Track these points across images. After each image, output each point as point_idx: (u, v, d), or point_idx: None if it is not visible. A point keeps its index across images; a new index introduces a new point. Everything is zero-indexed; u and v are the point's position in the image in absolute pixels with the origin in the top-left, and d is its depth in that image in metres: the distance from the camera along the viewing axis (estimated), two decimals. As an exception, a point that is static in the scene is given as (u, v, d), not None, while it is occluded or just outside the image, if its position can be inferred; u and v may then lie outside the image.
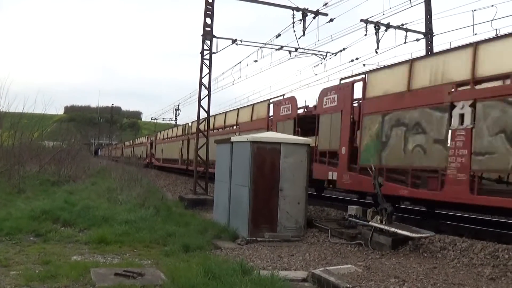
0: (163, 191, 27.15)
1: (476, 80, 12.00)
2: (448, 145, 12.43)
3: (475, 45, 12.16)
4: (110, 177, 28.24)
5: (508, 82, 11.42)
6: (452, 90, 12.46)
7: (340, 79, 17.78)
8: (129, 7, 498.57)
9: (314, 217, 15.93)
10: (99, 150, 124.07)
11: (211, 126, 27.51)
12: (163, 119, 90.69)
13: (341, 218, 15.23)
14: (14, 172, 23.20)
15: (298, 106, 21.00)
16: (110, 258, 10.13)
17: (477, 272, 9.36)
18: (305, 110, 20.50)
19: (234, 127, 28.97)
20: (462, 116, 11.99)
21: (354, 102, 16.70)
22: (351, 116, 16.55)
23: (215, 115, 32.20)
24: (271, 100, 23.94)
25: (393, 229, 11.63)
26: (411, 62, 14.17)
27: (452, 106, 12.30)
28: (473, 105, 11.75)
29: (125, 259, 10.04)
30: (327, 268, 9.38)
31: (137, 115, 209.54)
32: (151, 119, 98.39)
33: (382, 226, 11.95)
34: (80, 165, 34.88)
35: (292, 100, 21.54)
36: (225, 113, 31.80)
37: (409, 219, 14.34)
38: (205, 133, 23.78)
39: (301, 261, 10.48)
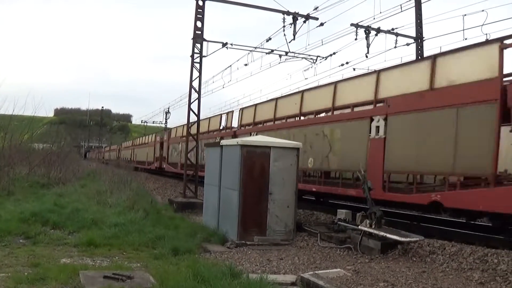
0: (153, 194, 27.09)
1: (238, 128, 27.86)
2: None
3: (228, 114, 29.12)
4: (99, 179, 28.18)
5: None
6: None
7: None
8: (120, 10, 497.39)
9: (304, 221, 15.98)
10: (87, 153, 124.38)
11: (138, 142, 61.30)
12: (153, 122, 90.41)
13: (330, 222, 15.27)
14: (4, 174, 23.03)
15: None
16: (99, 261, 10.08)
17: (466, 277, 9.42)
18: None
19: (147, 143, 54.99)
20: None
21: None
22: None
23: (142, 136, 60.69)
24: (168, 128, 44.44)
25: (382, 233, 11.68)
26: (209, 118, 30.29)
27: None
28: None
29: (114, 262, 9.99)
30: (316, 272, 9.42)
31: (127, 118, 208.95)
32: (141, 122, 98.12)
33: (371, 230, 12.00)
34: (69, 168, 34.69)
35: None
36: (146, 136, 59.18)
37: (398, 223, 14.38)
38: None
39: (290, 264, 10.49)
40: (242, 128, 26.90)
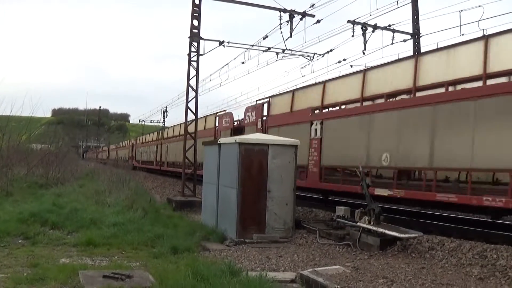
0: (151, 193, 27.09)
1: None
2: None
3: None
4: (98, 179, 28.17)
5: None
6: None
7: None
8: (120, 9, 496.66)
9: (302, 218, 15.97)
10: (85, 153, 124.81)
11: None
12: (151, 121, 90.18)
13: (329, 219, 15.26)
14: (2, 175, 23.01)
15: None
16: (99, 260, 10.09)
17: (465, 272, 9.43)
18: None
19: (125, 146, 70.46)
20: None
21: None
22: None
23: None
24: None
25: (381, 230, 11.68)
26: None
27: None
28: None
29: (114, 261, 10.01)
30: (316, 269, 9.42)
31: (125, 117, 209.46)
32: (139, 121, 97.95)
33: (370, 227, 12.01)
34: (68, 168, 34.67)
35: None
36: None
37: (397, 219, 14.38)
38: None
39: (290, 262, 10.50)
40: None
